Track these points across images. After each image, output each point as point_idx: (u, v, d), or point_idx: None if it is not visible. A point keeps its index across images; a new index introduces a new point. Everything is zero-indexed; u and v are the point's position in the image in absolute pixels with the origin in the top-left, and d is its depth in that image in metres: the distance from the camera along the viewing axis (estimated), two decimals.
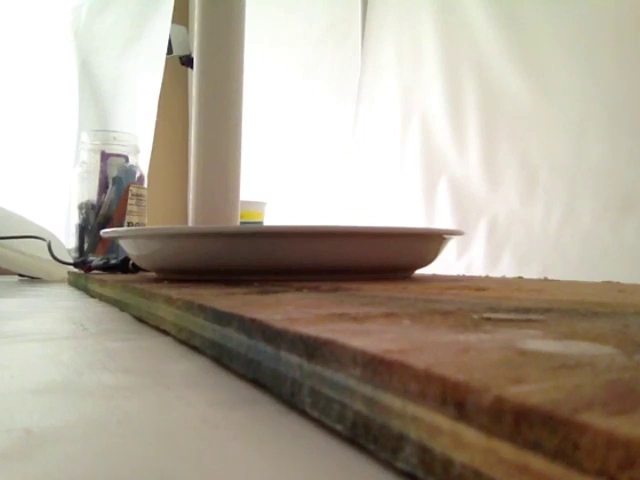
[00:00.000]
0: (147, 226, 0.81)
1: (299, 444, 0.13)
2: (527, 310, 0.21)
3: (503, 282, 0.42)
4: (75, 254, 0.78)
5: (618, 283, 0.40)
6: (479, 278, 0.51)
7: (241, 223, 0.65)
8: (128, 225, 0.78)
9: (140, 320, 0.33)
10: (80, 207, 0.79)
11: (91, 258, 0.68)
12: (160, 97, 1.32)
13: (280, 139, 1.45)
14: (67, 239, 0.84)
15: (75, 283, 0.64)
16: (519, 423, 0.08)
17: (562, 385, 0.09)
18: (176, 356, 0.22)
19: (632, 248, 0.82)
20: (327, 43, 1.40)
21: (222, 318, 0.20)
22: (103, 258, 0.66)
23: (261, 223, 0.89)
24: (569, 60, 0.92)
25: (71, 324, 0.32)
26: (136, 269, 0.58)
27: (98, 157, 0.79)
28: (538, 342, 0.14)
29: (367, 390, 0.12)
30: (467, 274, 0.68)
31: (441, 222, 1.10)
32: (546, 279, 0.47)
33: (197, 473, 0.11)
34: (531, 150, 0.98)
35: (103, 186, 0.79)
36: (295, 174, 1.42)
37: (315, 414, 0.14)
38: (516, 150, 1.00)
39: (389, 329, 0.16)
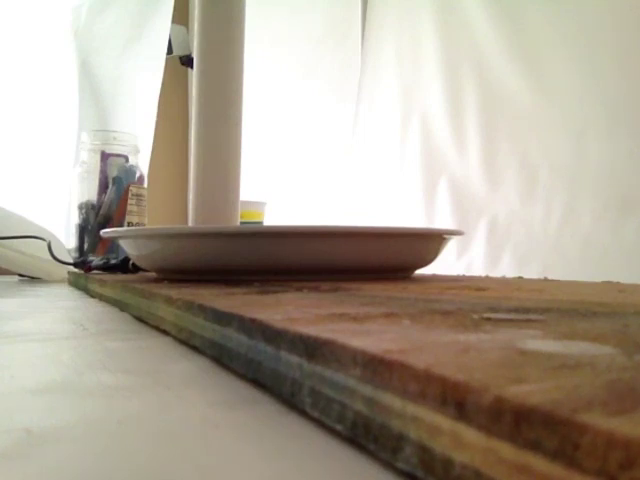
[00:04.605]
0: (147, 226, 0.81)
1: (299, 444, 0.13)
2: (527, 310, 0.21)
3: (503, 282, 0.42)
4: (75, 254, 0.78)
5: (618, 283, 0.40)
6: (479, 278, 0.51)
7: (241, 223, 0.65)
8: (128, 225, 0.78)
9: (140, 320, 0.33)
10: (80, 207, 0.79)
11: (91, 258, 0.68)
12: (160, 97, 1.32)
13: (280, 139, 1.45)
14: (67, 239, 0.84)
15: (75, 283, 0.64)
16: (519, 423, 0.08)
17: (562, 385, 0.09)
18: (176, 356, 0.22)
19: (632, 248, 0.82)
20: (327, 43, 1.40)
21: (222, 318, 0.20)
22: (103, 258, 0.66)
23: (261, 223, 0.89)
24: (569, 60, 0.92)
25: (71, 324, 0.32)
26: (136, 269, 0.58)
27: (98, 157, 0.79)
28: (538, 342, 0.14)
29: (367, 390, 0.12)
30: (467, 274, 0.68)
31: (441, 222, 1.10)
32: (546, 279, 0.47)
33: (197, 473, 0.11)
34: (531, 150, 0.98)
35: (103, 186, 0.79)
36: (295, 174, 1.42)
37: (315, 414, 0.14)
38: (516, 150, 1.00)
39: (389, 329, 0.16)
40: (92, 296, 0.50)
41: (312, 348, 0.14)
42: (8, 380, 0.18)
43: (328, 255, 0.40)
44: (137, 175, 0.81)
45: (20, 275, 0.75)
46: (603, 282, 0.41)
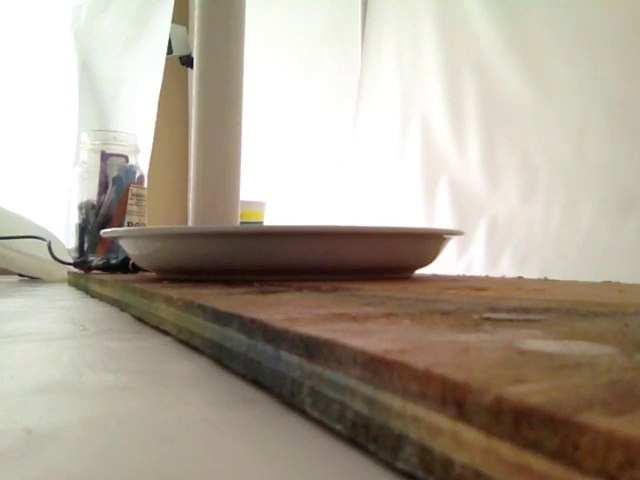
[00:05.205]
0: (147, 226, 0.81)
1: (299, 444, 0.13)
2: (527, 310, 0.21)
3: (503, 282, 0.42)
4: (75, 254, 0.78)
5: (618, 283, 0.40)
6: (479, 278, 0.51)
7: (241, 223, 0.65)
8: (128, 225, 0.78)
9: (140, 320, 0.33)
10: (80, 207, 0.79)
11: (91, 258, 0.68)
12: (160, 97, 1.32)
13: (280, 139, 1.45)
14: (67, 239, 0.84)
15: (75, 283, 0.64)
16: (519, 423, 0.08)
17: (562, 385, 0.09)
18: (176, 356, 0.22)
19: (632, 248, 0.82)
20: (327, 43, 1.40)
21: (222, 318, 0.20)
22: (103, 258, 0.66)
23: (261, 223, 0.89)
24: (569, 60, 0.92)
25: (71, 324, 0.32)
26: (136, 269, 0.58)
27: (98, 157, 0.79)
28: (538, 342, 0.14)
29: (367, 390, 0.12)
30: (467, 274, 0.68)
31: (441, 222, 1.10)
32: (546, 279, 0.47)
33: (197, 473, 0.11)
34: (531, 150, 0.98)
35: (103, 186, 0.79)
36: (295, 174, 1.42)
37: (315, 414, 0.14)
38: (516, 150, 1.00)
39: (389, 329, 0.16)
40: (92, 296, 0.50)
41: (312, 348, 0.14)
42: (8, 380, 0.18)
43: (328, 255, 0.40)
44: (137, 175, 0.81)
45: (20, 275, 0.75)
46: (603, 282, 0.41)
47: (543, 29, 0.96)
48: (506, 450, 0.09)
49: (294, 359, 0.15)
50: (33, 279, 0.75)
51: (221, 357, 0.20)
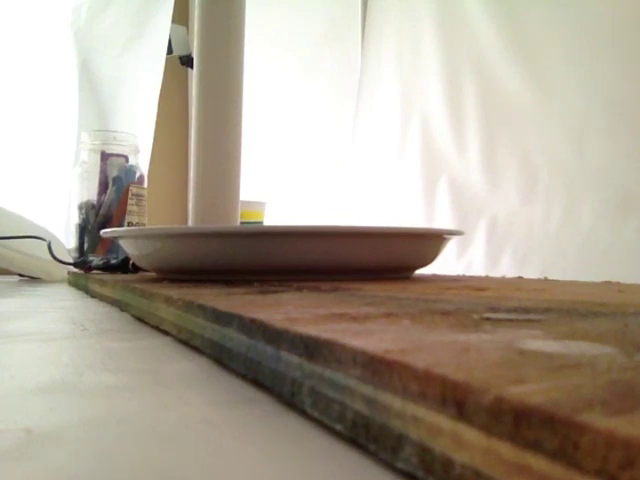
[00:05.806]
0: (147, 226, 0.81)
1: (299, 444, 0.13)
2: (527, 310, 0.21)
3: (503, 282, 0.42)
4: (75, 254, 0.78)
5: (618, 283, 0.40)
6: (479, 278, 0.51)
7: (241, 223, 0.65)
8: (128, 225, 0.78)
9: (140, 320, 0.33)
10: (80, 207, 0.79)
11: (91, 258, 0.68)
12: (160, 97, 1.32)
13: (280, 139, 1.45)
14: (67, 239, 0.84)
15: (75, 283, 0.64)
16: (519, 423, 0.08)
17: (562, 385, 0.09)
18: (176, 356, 0.22)
19: (632, 248, 0.82)
20: (327, 43, 1.40)
21: (222, 318, 0.20)
22: (103, 258, 0.66)
23: (261, 223, 0.89)
24: (569, 60, 0.92)
25: (71, 324, 0.32)
26: (136, 269, 0.58)
27: (98, 157, 0.79)
28: (538, 342, 0.14)
29: (367, 390, 0.12)
30: (467, 274, 0.68)
31: (441, 222, 1.10)
32: (546, 279, 0.47)
33: (197, 473, 0.11)
34: (531, 150, 0.98)
35: (103, 186, 0.79)
36: (295, 174, 1.42)
37: (315, 414, 0.14)
38: (516, 150, 1.00)
39: (389, 329, 0.16)
40: (92, 296, 0.50)
41: (312, 348, 0.14)
42: (8, 380, 0.18)
43: (328, 255, 0.40)
44: (137, 175, 0.81)
45: (20, 275, 0.75)
46: (603, 282, 0.41)
47: (543, 29, 0.96)
48: (506, 450, 0.09)
49: (294, 359, 0.15)
50: (33, 279, 0.75)
51: (221, 357, 0.20)
